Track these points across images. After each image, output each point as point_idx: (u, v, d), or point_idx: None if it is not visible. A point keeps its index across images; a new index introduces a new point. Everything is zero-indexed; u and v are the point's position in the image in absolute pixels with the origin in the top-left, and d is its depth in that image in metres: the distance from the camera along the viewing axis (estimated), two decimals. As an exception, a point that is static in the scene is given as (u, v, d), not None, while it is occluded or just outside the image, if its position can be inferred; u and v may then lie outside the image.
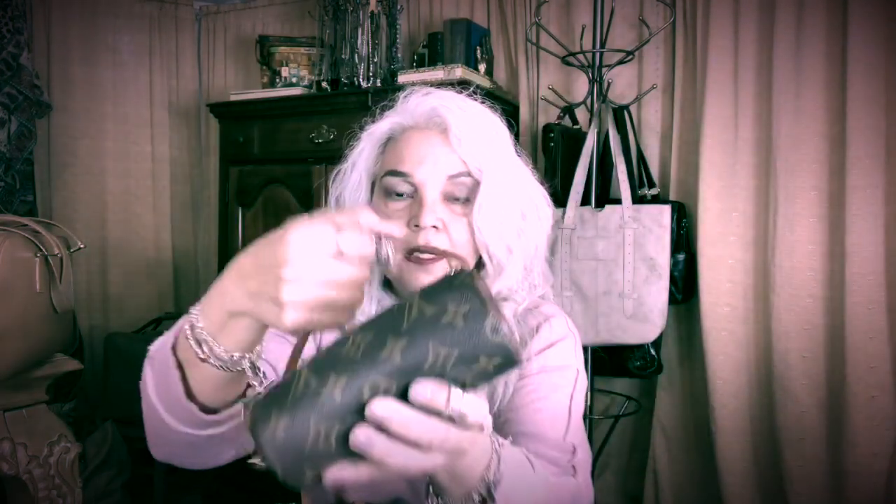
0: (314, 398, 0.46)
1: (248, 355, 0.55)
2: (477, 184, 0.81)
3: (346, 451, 0.46)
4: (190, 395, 0.58)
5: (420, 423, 0.46)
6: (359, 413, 0.46)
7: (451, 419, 0.47)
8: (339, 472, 0.47)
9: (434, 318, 0.46)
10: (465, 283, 0.47)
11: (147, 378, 0.60)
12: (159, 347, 0.61)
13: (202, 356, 0.54)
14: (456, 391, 0.47)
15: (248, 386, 0.60)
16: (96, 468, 2.24)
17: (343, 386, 0.46)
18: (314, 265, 0.45)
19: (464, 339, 0.46)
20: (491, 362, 0.46)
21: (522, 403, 0.81)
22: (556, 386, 0.84)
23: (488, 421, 0.50)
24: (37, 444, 1.51)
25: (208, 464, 0.68)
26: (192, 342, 0.54)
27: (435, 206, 0.80)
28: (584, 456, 0.82)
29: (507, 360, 0.47)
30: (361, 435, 0.46)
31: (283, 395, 0.47)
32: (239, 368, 0.55)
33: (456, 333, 0.46)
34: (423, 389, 0.46)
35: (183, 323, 0.56)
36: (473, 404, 0.47)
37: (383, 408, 0.45)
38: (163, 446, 0.63)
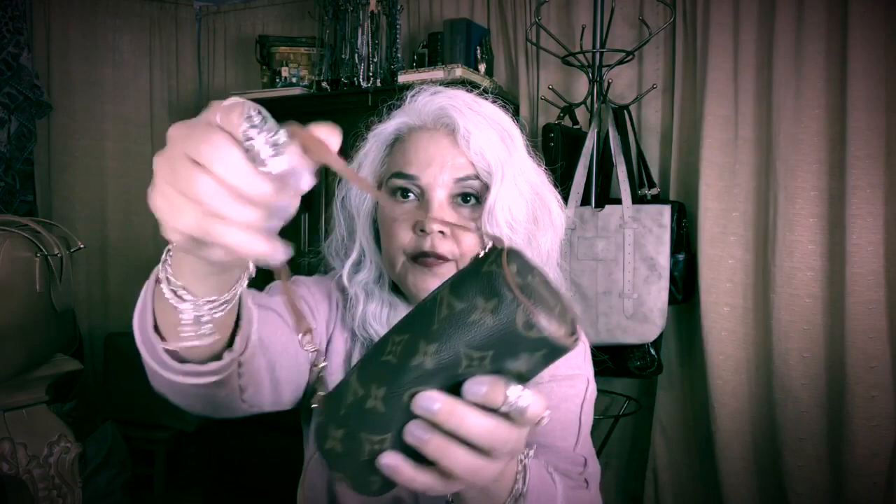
0: (361, 409, 0.44)
1: (196, 300, 0.47)
2: (486, 187, 0.77)
3: (406, 454, 0.44)
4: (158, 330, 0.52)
5: (476, 417, 0.42)
6: (408, 419, 0.43)
7: (508, 416, 0.42)
8: (397, 461, 0.43)
9: (462, 316, 0.41)
10: (491, 272, 0.41)
11: (138, 301, 0.55)
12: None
13: (160, 282, 0.48)
14: (514, 386, 0.42)
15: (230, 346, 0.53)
16: (96, 468, 2.24)
17: (384, 396, 0.43)
18: (168, 168, 0.36)
19: (496, 340, 0.41)
20: (536, 355, 0.42)
21: None
22: (565, 395, 0.81)
23: (546, 414, 0.45)
24: (37, 444, 1.51)
25: (206, 413, 0.63)
26: (160, 266, 0.48)
27: (442, 210, 0.77)
28: (595, 468, 0.80)
29: (554, 349, 0.41)
30: (415, 427, 0.42)
31: (336, 406, 0.46)
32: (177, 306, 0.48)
33: (486, 333, 0.40)
34: (478, 386, 0.41)
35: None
36: (532, 398, 0.43)
37: (427, 399, 0.42)
38: (154, 381, 0.57)
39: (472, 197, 0.78)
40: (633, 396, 2.25)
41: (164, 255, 0.48)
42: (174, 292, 0.47)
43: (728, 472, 2.06)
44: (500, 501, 0.54)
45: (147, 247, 2.97)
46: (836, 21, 1.91)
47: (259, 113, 0.36)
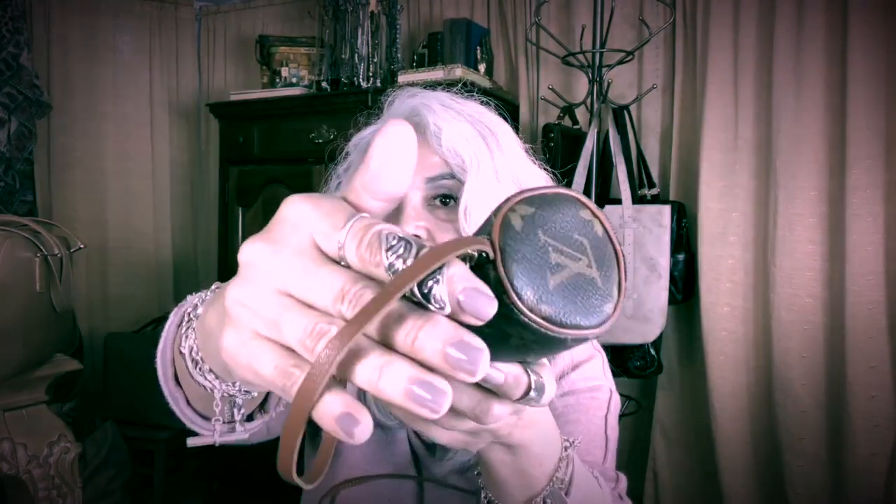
0: None
1: (223, 386, 0.45)
2: (461, 185, 0.70)
3: None
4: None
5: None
6: None
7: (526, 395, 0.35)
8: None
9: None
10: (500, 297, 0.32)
11: (160, 341, 0.52)
12: (171, 320, 0.51)
13: (182, 349, 0.46)
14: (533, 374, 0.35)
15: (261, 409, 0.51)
16: (96, 468, 2.24)
17: None
18: (261, 282, 0.29)
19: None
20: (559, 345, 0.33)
21: None
22: (586, 408, 0.75)
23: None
24: (37, 444, 1.51)
25: None
26: (183, 331, 0.46)
27: (415, 213, 0.70)
28: (625, 483, 0.75)
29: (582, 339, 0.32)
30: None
31: None
32: (209, 388, 0.45)
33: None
34: (497, 374, 0.34)
35: (191, 302, 0.47)
36: (550, 379, 0.35)
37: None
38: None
39: (450, 198, 0.71)
40: (633, 396, 2.24)
41: (184, 325, 0.46)
42: (203, 374, 0.45)
43: (728, 472, 2.06)
44: (537, 485, 0.51)
45: (147, 247, 2.97)
46: (836, 21, 1.91)
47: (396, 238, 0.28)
